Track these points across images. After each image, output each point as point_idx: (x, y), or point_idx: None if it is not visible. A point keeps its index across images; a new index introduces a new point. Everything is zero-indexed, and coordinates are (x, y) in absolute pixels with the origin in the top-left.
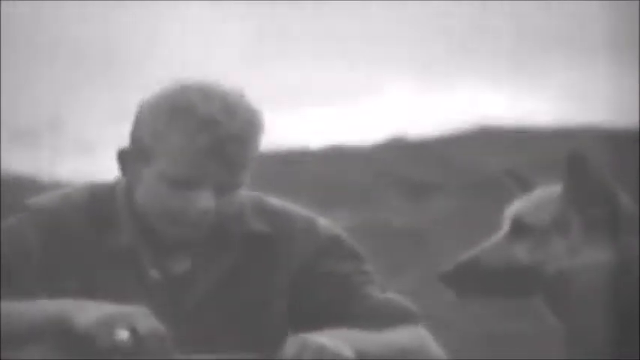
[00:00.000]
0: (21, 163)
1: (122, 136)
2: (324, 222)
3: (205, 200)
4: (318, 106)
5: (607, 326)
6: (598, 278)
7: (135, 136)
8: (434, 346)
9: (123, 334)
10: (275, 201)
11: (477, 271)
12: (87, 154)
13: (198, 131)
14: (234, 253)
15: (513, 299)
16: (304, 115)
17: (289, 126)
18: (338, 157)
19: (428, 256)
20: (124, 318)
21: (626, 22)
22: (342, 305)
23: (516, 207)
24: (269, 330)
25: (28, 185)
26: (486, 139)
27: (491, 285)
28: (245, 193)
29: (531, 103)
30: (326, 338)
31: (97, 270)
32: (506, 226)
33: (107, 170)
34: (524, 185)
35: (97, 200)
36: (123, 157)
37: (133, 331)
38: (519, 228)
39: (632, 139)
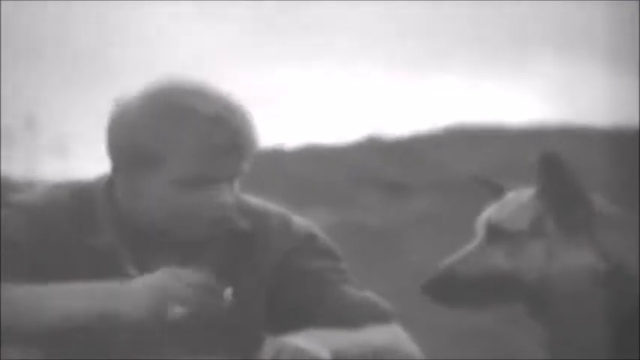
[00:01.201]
0: None
1: (98, 136)
2: (299, 220)
3: (226, 194)
4: (293, 106)
5: (593, 329)
6: (578, 281)
7: (124, 145)
8: (409, 345)
9: (177, 311)
10: (251, 199)
11: (456, 280)
12: (62, 153)
13: (209, 130)
14: (216, 251)
15: (494, 307)
16: (279, 114)
17: (264, 125)
18: (313, 157)
19: (403, 255)
20: (167, 294)
21: (626, 22)
22: (317, 303)
23: (490, 213)
24: (248, 329)
25: (2, 184)
26: (463, 139)
27: (471, 294)
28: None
29: (531, 103)
30: (303, 340)
31: (78, 267)
32: (480, 233)
33: (82, 169)
34: (493, 191)
35: (77, 199)
36: (117, 171)
37: (183, 301)
38: (495, 234)
39: (631, 139)
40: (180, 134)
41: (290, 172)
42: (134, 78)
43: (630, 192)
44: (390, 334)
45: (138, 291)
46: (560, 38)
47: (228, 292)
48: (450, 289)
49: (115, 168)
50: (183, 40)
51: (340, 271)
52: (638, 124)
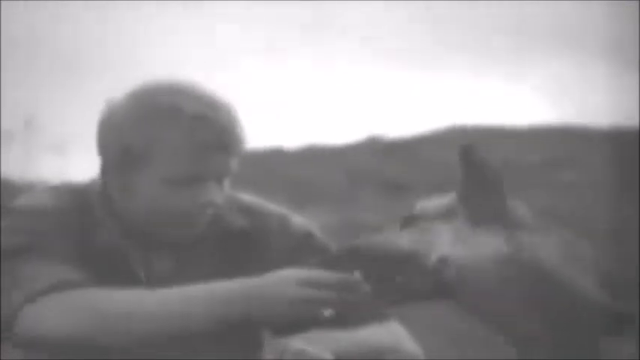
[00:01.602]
0: None
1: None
2: (297, 219)
3: (213, 192)
4: (294, 106)
5: (499, 313)
6: (481, 265)
7: (113, 146)
8: (409, 343)
9: (328, 313)
10: (249, 198)
11: (359, 253)
12: (61, 154)
13: (195, 128)
14: (214, 251)
15: (410, 300)
16: (280, 115)
17: (265, 126)
18: (314, 157)
19: None
20: (310, 304)
21: (626, 22)
22: None
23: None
24: (246, 327)
25: (2, 185)
26: (463, 140)
27: (370, 268)
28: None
29: (530, 103)
30: (305, 342)
31: (85, 270)
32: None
33: (81, 170)
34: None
35: (76, 201)
36: (106, 173)
37: (327, 305)
38: (407, 222)
39: (632, 139)
40: (165, 133)
41: (291, 172)
42: (134, 79)
43: (631, 192)
44: (390, 333)
45: (271, 298)
46: (560, 39)
47: (358, 275)
48: (355, 261)
49: (105, 168)
50: (184, 40)
51: None
52: (638, 124)
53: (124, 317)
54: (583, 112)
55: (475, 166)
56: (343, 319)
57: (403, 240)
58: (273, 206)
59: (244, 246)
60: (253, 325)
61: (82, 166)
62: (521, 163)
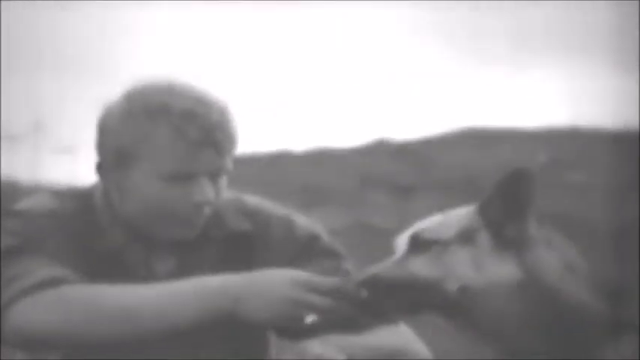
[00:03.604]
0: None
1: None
2: (302, 220)
3: (203, 190)
4: (303, 109)
5: (509, 338)
6: (498, 293)
7: (108, 146)
8: (418, 344)
9: (310, 318)
10: (253, 199)
11: (379, 285)
12: (68, 156)
13: (183, 125)
14: (217, 253)
15: (414, 315)
16: (288, 118)
17: (273, 129)
18: (323, 160)
19: None
20: (294, 305)
21: (626, 22)
22: None
23: (414, 227)
24: (250, 329)
25: (8, 189)
26: (471, 142)
27: (391, 300)
28: (225, 193)
29: (530, 104)
30: (320, 345)
31: (88, 271)
32: (402, 247)
33: (87, 172)
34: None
35: (79, 205)
36: (101, 169)
37: (317, 310)
38: (418, 244)
39: (632, 140)
40: (153, 130)
41: (299, 174)
42: (139, 81)
43: (632, 192)
44: (399, 336)
45: (257, 296)
46: (563, 41)
47: (362, 292)
48: (375, 295)
49: (103, 169)
50: (190, 41)
51: (344, 271)
52: (638, 124)
53: (115, 312)
54: (589, 113)
55: (521, 192)
56: (350, 324)
57: (421, 267)
58: (278, 208)
59: (247, 249)
60: (240, 322)
61: (90, 168)
62: (529, 164)
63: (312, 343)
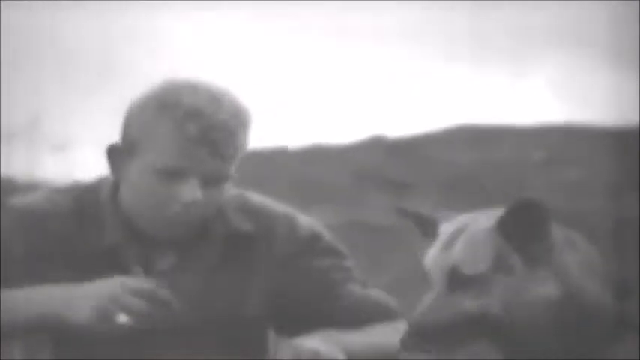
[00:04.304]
0: None
1: (99, 136)
2: (304, 219)
3: (191, 190)
4: (298, 106)
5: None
6: (546, 314)
7: (124, 133)
8: None
9: (122, 319)
10: (256, 198)
11: (427, 331)
12: (65, 154)
13: (185, 121)
14: (217, 252)
15: (465, 346)
16: (284, 115)
17: (269, 126)
18: (318, 157)
19: (408, 254)
20: (113, 301)
21: (626, 21)
22: (323, 301)
23: (442, 257)
24: (249, 328)
25: (5, 185)
26: (467, 139)
27: (444, 340)
28: (228, 191)
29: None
30: (319, 342)
31: (81, 270)
32: (439, 280)
33: (84, 170)
34: (424, 225)
35: (80, 202)
36: (111, 153)
37: (129, 310)
38: (457, 280)
39: (630, 137)
40: (156, 122)
41: (295, 171)
42: (138, 79)
43: (632, 190)
44: (400, 333)
45: (83, 296)
46: (563, 38)
47: (174, 302)
48: (425, 341)
49: (112, 152)
50: (188, 40)
51: (346, 269)
52: (638, 122)
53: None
54: (586, 109)
55: (533, 220)
56: (140, 329)
57: (466, 304)
58: (280, 207)
59: (248, 247)
60: (65, 324)
61: (87, 165)
62: (526, 161)
63: (310, 340)
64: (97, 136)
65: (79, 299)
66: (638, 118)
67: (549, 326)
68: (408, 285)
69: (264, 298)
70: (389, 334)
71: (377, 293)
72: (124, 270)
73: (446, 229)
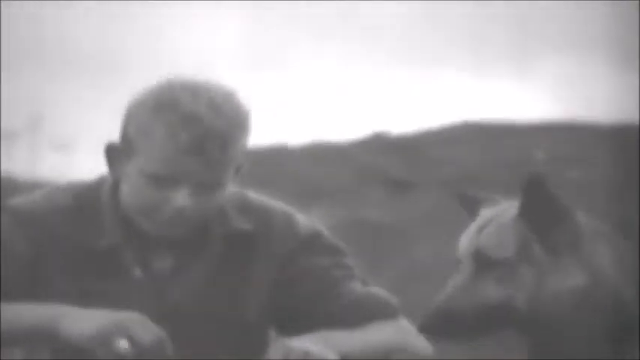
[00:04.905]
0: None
1: (100, 135)
2: (303, 218)
3: (181, 199)
4: (299, 103)
5: (581, 350)
6: (567, 304)
7: (122, 132)
8: (418, 340)
9: (123, 344)
10: (255, 197)
11: (453, 316)
12: (66, 152)
13: (180, 128)
14: (216, 251)
15: (488, 337)
16: (285, 112)
17: (270, 124)
18: (319, 155)
19: (409, 251)
20: (121, 327)
21: (626, 19)
22: (323, 300)
23: (473, 240)
24: (250, 327)
25: (5, 185)
26: (469, 136)
27: (468, 327)
28: (227, 191)
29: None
30: (310, 343)
31: (82, 270)
32: (467, 262)
33: (85, 168)
34: (469, 205)
35: (81, 201)
36: (109, 152)
37: (132, 340)
38: (482, 263)
39: (631, 136)
40: (151, 125)
41: (296, 169)
42: (138, 77)
43: (632, 187)
44: (397, 331)
45: (90, 317)
46: (563, 37)
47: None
48: (448, 326)
49: (110, 150)
50: (188, 38)
51: (346, 267)
52: (638, 120)
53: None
54: (587, 108)
55: (545, 198)
56: (139, 354)
57: (490, 290)
58: (279, 205)
59: (248, 246)
60: (62, 338)
61: (88, 164)
62: (528, 159)
63: (301, 340)
64: (98, 135)
65: (85, 318)
66: (638, 117)
67: (574, 317)
68: (409, 283)
69: (264, 297)
70: (388, 334)
71: (378, 291)
72: (123, 271)
73: (484, 213)
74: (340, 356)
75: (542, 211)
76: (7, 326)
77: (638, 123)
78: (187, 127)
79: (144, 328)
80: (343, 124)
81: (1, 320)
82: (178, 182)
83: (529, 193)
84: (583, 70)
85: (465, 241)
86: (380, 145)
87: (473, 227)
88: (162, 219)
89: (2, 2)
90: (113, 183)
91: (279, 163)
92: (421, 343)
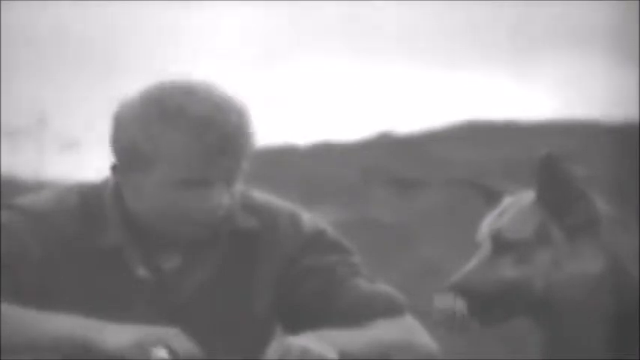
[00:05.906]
0: (6, 162)
1: (107, 135)
2: (308, 216)
3: (220, 195)
4: (306, 103)
5: (597, 334)
6: (584, 288)
7: (123, 145)
8: (423, 336)
9: (162, 354)
10: (260, 195)
11: (470, 295)
12: (73, 152)
13: (201, 130)
14: (222, 250)
15: (505, 321)
16: (292, 111)
17: (277, 123)
18: (325, 154)
19: (415, 250)
20: (159, 338)
21: (626, 17)
22: (328, 297)
23: (493, 223)
24: (256, 326)
25: (10, 185)
26: (474, 135)
27: (485, 308)
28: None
29: (529, 99)
30: (309, 341)
31: (89, 270)
32: (486, 244)
33: (93, 169)
34: (489, 196)
35: (86, 202)
36: (117, 171)
37: (170, 350)
38: (500, 244)
39: (632, 133)
40: (170, 135)
41: (302, 168)
42: (144, 76)
43: (632, 187)
44: (402, 329)
45: (121, 328)
46: (564, 36)
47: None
48: (462, 296)
49: (116, 166)
50: (191, 37)
51: (351, 265)
52: (638, 119)
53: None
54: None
55: (558, 178)
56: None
57: (508, 269)
58: (284, 204)
59: (253, 245)
60: (96, 349)
61: (95, 164)
62: (532, 157)
63: (300, 338)
64: (104, 134)
65: (123, 330)
66: (638, 116)
67: (589, 303)
68: (416, 281)
69: (270, 295)
70: (391, 332)
71: (384, 288)
72: (128, 271)
73: (507, 200)
74: (341, 355)
75: (557, 192)
76: (29, 333)
77: (638, 121)
78: (208, 130)
79: (180, 340)
80: (348, 123)
81: (21, 327)
82: (211, 182)
83: (543, 173)
84: (584, 69)
85: (486, 225)
86: (385, 144)
87: (495, 212)
88: (201, 220)
89: (2, 2)
90: (115, 188)
91: (284, 163)
92: (427, 341)
